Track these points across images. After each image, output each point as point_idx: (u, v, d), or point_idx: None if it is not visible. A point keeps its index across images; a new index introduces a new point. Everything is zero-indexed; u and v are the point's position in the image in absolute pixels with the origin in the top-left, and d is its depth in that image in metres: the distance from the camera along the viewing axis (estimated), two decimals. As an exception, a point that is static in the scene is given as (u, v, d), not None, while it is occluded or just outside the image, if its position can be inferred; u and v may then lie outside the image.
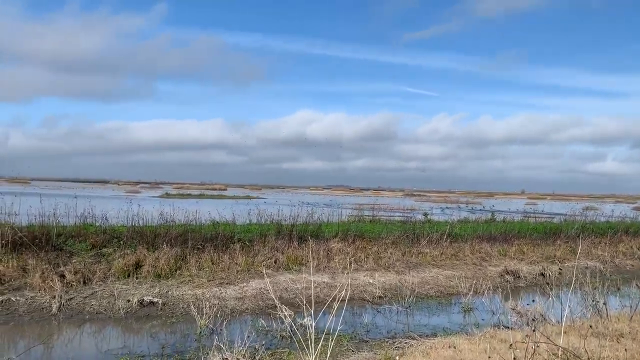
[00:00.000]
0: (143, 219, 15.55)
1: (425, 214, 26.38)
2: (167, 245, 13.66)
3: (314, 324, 6.48)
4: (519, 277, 16.06)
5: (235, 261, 13.92)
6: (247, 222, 18.65)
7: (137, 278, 12.38)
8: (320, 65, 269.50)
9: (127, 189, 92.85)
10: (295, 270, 14.03)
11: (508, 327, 9.33)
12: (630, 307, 9.42)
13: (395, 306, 12.04)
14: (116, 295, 11.23)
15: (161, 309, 10.96)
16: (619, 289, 13.05)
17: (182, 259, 13.46)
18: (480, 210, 47.21)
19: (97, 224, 15.44)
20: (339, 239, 16.51)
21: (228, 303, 11.59)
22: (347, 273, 13.96)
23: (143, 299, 11.10)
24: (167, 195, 65.49)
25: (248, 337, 7.68)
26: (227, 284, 12.68)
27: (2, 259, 11.76)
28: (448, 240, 18.28)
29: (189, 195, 69.55)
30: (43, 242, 12.87)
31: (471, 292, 12.55)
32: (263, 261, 14.15)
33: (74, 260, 12.54)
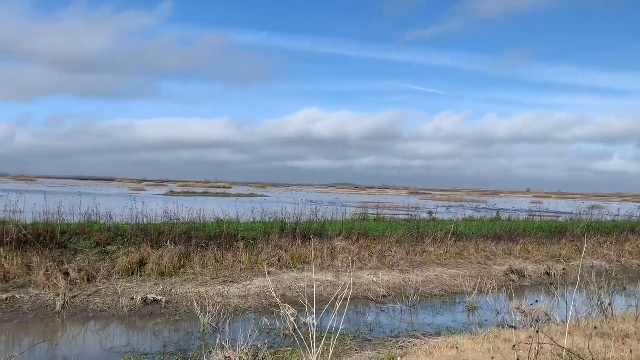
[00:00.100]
0: (147, 217, 15.59)
1: (430, 213, 26.32)
2: (171, 243, 13.68)
3: (316, 323, 6.46)
4: (524, 276, 15.98)
5: (239, 259, 13.92)
6: (251, 220, 18.66)
7: (141, 276, 12.39)
8: (326, 64, 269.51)
9: (132, 187, 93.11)
10: (299, 269, 14.01)
11: (513, 327, 9.29)
12: (637, 307, 9.34)
13: (399, 305, 12.00)
14: (120, 293, 11.24)
15: (165, 307, 10.97)
16: (625, 288, 12.99)
17: (186, 257, 13.47)
18: (486, 208, 47.06)
19: (102, 222, 15.49)
20: (343, 237, 16.48)
21: (231, 301, 11.58)
22: (350, 271, 13.93)
23: (147, 297, 11.11)
24: (172, 193, 65.61)
25: (251, 335, 7.67)
26: (230, 282, 12.68)
27: (7, 257, 11.80)
28: (453, 239, 18.21)
29: (194, 193, 69.65)
30: (47, 239, 12.91)
31: (476, 291, 12.49)
32: (267, 259, 14.14)
33: (78, 258, 12.57)
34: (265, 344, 8.08)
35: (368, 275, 14.25)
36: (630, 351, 6.31)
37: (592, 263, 18.11)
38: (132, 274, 12.42)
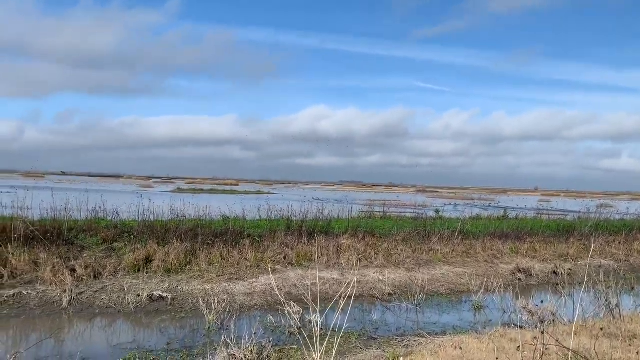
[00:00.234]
0: (154, 214, 15.63)
1: (437, 211, 26.25)
2: (177, 240, 13.71)
3: (319, 321, 6.45)
4: (530, 275, 15.90)
5: (244, 257, 13.93)
6: (258, 217, 18.68)
7: (147, 273, 12.43)
8: (333, 61, 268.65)
9: (139, 184, 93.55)
10: (305, 267, 14.00)
11: (519, 326, 9.24)
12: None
13: (405, 304, 11.97)
14: (126, 289, 11.29)
15: (170, 304, 11.01)
16: (633, 288, 12.88)
17: (192, 254, 13.50)
18: (493, 206, 46.85)
19: (109, 219, 15.55)
20: (349, 235, 16.46)
21: (237, 298, 11.60)
22: (355, 269, 13.91)
23: (153, 294, 11.15)
24: (179, 190, 65.83)
25: (255, 333, 7.68)
26: (236, 279, 12.70)
27: (14, 253, 11.87)
28: (459, 238, 18.14)
29: (201, 191, 69.86)
30: (54, 236, 12.99)
31: (482, 290, 12.44)
32: (272, 257, 14.15)
33: (84, 255, 12.64)
34: (270, 341, 8.08)
35: (374, 273, 14.22)
36: (638, 352, 6.25)
37: (600, 262, 17.98)
38: (139, 270, 12.46)
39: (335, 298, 7.06)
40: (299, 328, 8.52)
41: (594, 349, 5.84)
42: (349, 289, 7.01)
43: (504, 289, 12.58)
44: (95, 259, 12.39)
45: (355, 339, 9.08)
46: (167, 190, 66.08)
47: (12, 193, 20.53)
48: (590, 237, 20.19)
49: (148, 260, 12.81)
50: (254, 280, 12.71)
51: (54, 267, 11.49)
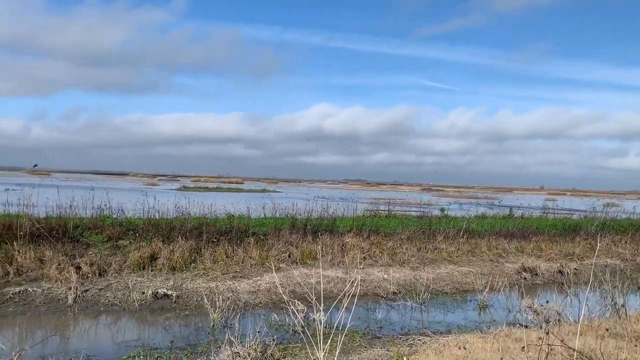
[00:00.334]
0: (159, 212, 15.67)
1: (442, 209, 26.19)
2: (182, 238, 13.73)
3: (323, 319, 6.43)
4: (536, 274, 15.82)
5: (249, 255, 13.94)
6: (262, 215, 18.69)
7: (152, 270, 12.46)
8: (339, 59, 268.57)
9: (145, 182, 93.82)
10: (309, 265, 13.98)
11: (524, 326, 9.19)
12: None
13: (410, 302, 11.94)
14: (131, 287, 11.32)
15: (175, 302, 11.02)
16: (639, 288, 12.78)
17: (197, 252, 13.52)
18: (498, 205, 46.69)
19: (114, 216, 15.61)
20: (354, 233, 16.44)
21: (241, 297, 11.61)
22: (360, 268, 13.89)
23: (157, 292, 11.17)
24: (185, 188, 65.98)
25: (259, 331, 7.66)
26: (241, 277, 12.71)
27: (20, 250, 11.93)
28: (464, 236, 18.08)
29: (206, 189, 69.97)
30: (60, 233, 13.04)
31: (487, 289, 12.38)
32: (277, 255, 14.15)
33: (90, 252, 12.68)
34: (274, 340, 8.06)
35: (378, 272, 14.20)
36: (644, 352, 6.21)
37: (607, 262, 17.89)
38: (143, 268, 12.49)
39: (340, 296, 7.04)
40: (302, 326, 8.51)
41: (600, 350, 5.80)
42: (353, 288, 6.99)
43: (509, 288, 12.51)
44: (100, 257, 12.43)
45: (359, 337, 9.07)
46: (173, 188, 66.24)
47: (18, 190, 20.63)
48: (597, 236, 20.08)
49: (153, 258, 12.84)
50: (259, 278, 12.71)
51: (59, 264, 11.53)
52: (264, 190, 72.12)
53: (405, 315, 11.27)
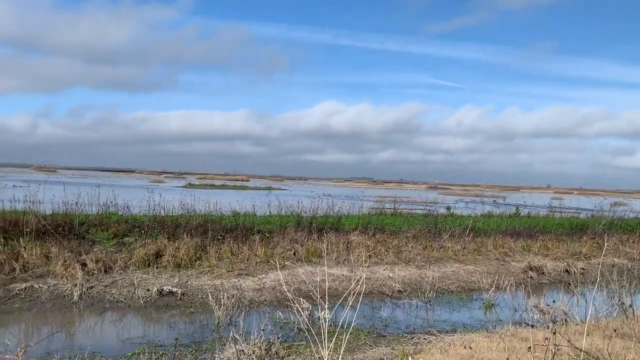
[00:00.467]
0: (165, 209, 15.69)
1: (448, 208, 26.10)
2: (187, 235, 13.74)
3: (328, 318, 6.40)
4: (542, 273, 15.73)
5: (254, 252, 13.94)
6: (268, 213, 18.67)
7: (157, 268, 12.48)
8: (346, 56, 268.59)
9: (151, 179, 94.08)
10: (315, 263, 13.96)
11: (530, 325, 9.13)
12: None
13: (415, 301, 11.90)
14: (136, 284, 11.34)
15: (180, 299, 11.03)
16: (647, 287, 12.67)
17: (202, 249, 13.53)
18: (505, 204, 46.48)
19: (120, 213, 15.62)
20: (359, 232, 16.40)
21: (246, 294, 11.60)
22: (365, 266, 13.85)
23: (162, 289, 11.18)
24: (190, 186, 66.13)
25: (264, 329, 7.65)
26: (246, 275, 12.70)
27: (26, 247, 11.97)
28: (470, 235, 18.00)
29: (212, 186, 70.13)
30: (66, 230, 13.07)
31: (493, 288, 12.33)
32: (282, 253, 14.13)
33: (95, 249, 12.72)
34: (279, 337, 8.06)
35: (384, 270, 14.16)
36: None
37: (614, 261, 17.74)
38: (149, 265, 12.51)
39: (345, 295, 7.01)
40: (307, 325, 8.48)
41: (607, 350, 5.74)
42: (359, 286, 6.95)
43: (515, 287, 12.44)
44: (105, 254, 12.46)
45: (364, 336, 9.04)
46: (178, 185, 66.40)
47: (24, 187, 20.71)
48: (604, 236, 19.95)
49: (158, 255, 12.86)
50: (264, 276, 12.70)
51: (65, 261, 11.57)
52: (269, 188, 72.13)
53: (410, 313, 11.23)
